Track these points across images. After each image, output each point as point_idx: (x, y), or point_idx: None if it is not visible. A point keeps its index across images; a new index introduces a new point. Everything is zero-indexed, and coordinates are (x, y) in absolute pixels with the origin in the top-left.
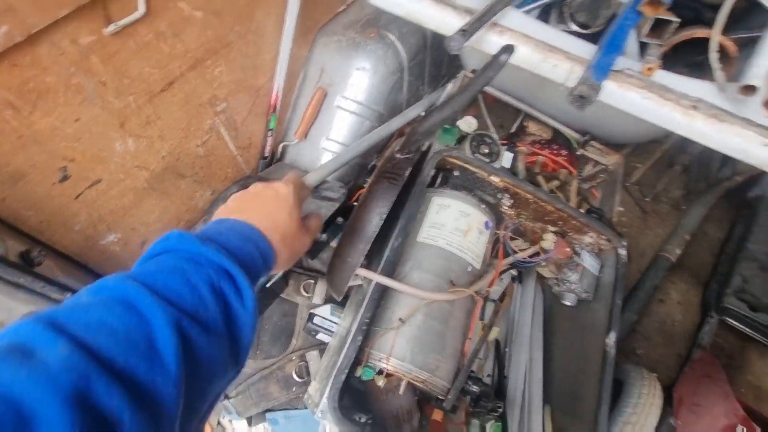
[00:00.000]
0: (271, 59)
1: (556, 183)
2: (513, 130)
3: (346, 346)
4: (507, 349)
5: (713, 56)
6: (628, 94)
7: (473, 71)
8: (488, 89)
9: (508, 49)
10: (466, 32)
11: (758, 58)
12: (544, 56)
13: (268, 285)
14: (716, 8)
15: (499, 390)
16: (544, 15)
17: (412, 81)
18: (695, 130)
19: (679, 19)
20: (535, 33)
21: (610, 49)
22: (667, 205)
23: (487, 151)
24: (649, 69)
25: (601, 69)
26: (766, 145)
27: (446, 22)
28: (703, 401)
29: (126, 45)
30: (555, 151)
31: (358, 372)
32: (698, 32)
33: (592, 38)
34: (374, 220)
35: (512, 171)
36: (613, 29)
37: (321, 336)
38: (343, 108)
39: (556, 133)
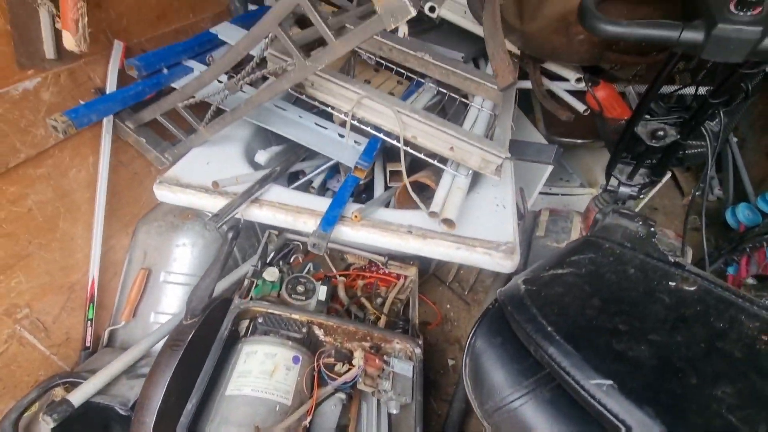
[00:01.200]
0: (84, 256)
1: (379, 299)
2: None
3: None
4: None
5: (414, 196)
6: (359, 233)
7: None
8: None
9: (236, 231)
10: (219, 216)
11: (437, 192)
12: (295, 217)
13: None
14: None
15: None
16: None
17: (238, 242)
18: (412, 247)
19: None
20: (288, 200)
21: (334, 205)
22: (483, 293)
23: (302, 289)
24: (356, 216)
25: (328, 222)
26: (458, 249)
27: (220, 205)
28: None
29: None
30: (373, 272)
31: None
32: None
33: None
34: (158, 391)
35: (328, 300)
36: (339, 191)
37: None
38: (170, 281)
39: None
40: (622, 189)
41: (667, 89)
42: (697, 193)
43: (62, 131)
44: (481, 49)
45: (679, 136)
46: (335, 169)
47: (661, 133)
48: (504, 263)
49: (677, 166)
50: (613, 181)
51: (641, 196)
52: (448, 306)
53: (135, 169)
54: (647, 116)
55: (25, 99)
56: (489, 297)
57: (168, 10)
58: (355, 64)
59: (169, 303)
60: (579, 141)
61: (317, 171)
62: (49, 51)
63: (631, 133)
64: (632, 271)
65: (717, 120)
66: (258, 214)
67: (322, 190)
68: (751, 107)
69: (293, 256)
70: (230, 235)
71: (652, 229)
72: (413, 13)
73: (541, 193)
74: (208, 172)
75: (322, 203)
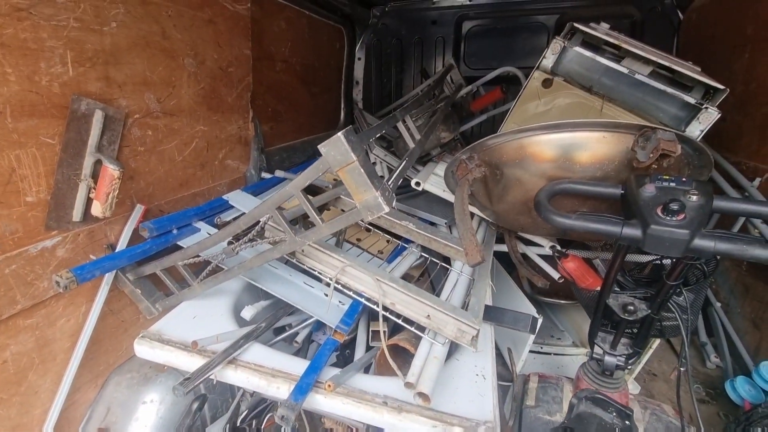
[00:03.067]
0: (42, 413)
1: None
2: None
3: None
4: None
5: (392, 362)
6: (332, 402)
7: None
8: None
9: (201, 401)
10: (190, 380)
11: (414, 361)
12: (269, 382)
13: None
14: None
15: None
16: None
17: (208, 400)
18: (386, 422)
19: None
20: (265, 361)
21: (310, 371)
22: None
23: None
24: (329, 386)
25: (301, 391)
26: (434, 426)
27: (196, 365)
28: None
29: None
30: None
31: None
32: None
33: None
34: None
35: None
36: (314, 357)
37: None
38: None
39: None
40: (608, 359)
41: (637, 259)
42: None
43: (64, 287)
44: None
45: (650, 311)
46: (321, 322)
47: (631, 307)
48: None
49: (658, 337)
50: (599, 349)
51: (629, 367)
52: None
53: (123, 317)
54: (617, 289)
55: (40, 256)
56: None
57: (192, 178)
58: (346, 228)
59: None
60: (564, 301)
61: (302, 325)
62: (77, 215)
63: (605, 305)
64: None
65: (683, 296)
66: (232, 376)
67: (307, 343)
68: (726, 273)
69: (268, 415)
70: (194, 406)
71: (628, 422)
72: (387, 210)
73: (532, 351)
74: (192, 327)
75: (300, 366)
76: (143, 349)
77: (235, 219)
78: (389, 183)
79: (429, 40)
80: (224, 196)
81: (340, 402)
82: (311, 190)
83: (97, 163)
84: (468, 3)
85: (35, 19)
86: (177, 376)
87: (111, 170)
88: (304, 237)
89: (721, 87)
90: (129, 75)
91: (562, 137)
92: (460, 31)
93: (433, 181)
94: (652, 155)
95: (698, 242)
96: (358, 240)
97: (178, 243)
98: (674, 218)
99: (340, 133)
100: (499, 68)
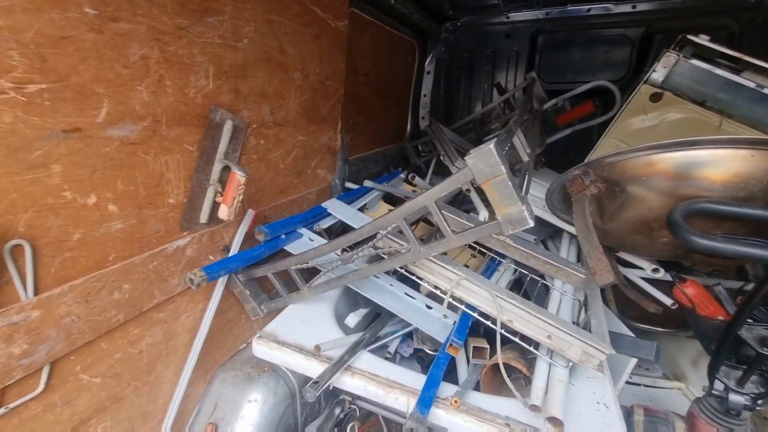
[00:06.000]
0: (164, 402)
1: None
2: None
3: None
4: None
5: (510, 384)
6: (454, 419)
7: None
8: None
9: (342, 405)
10: (318, 383)
11: (534, 383)
12: (386, 392)
13: None
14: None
15: None
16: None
17: (305, 403)
18: None
19: (488, 346)
20: (379, 371)
21: (429, 384)
22: None
23: None
24: (455, 401)
25: (425, 404)
26: None
27: (314, 369)
28: None
29: (9, 422)
30: None
31: None
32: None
33: None
34: None
35: None
36: (430, 371)
37: None
38: None
39: None
40: (733, 397)
41: None
42: None
43: (197, 284)
44: (549, 232)
45: None
46: (407, 334)
47: None
48: None
49: None
50: (719, 384)
51: (758, 408)
52: None
53: (230, 316)
54: (749, 320)
55: (174, 254)
56: None
57: (289, 186)
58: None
59: None
60: (660, 329)
61: (394, 336)
62: (204, 217)
63: (735, 337)
64: None
65: None
66: (349, 382)
67: (394, 354)
68: None
69: (351, 424)
70: (336, 410)
71: None
72: (531, 224)
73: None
74: (302, 330)
75: (412, 378)
76: (262, 349)
77: (337, 226)
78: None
79: (501, 53)
80: (323, 204)
81: (462, 419)
82: (392, 201)
83: (224, 170)
84: (543, 17)
85: (191, 36)
86: (278, 377)
87: (239, 176)
88: (429, 248)
89: None
90: (252, 87)
91: (698, 154)
92: (535, 44)
93: None
94: None
95: None
96: (444, 254)
97: (285, 248)
98: None
99: (491, 146)
100: (590, 82)
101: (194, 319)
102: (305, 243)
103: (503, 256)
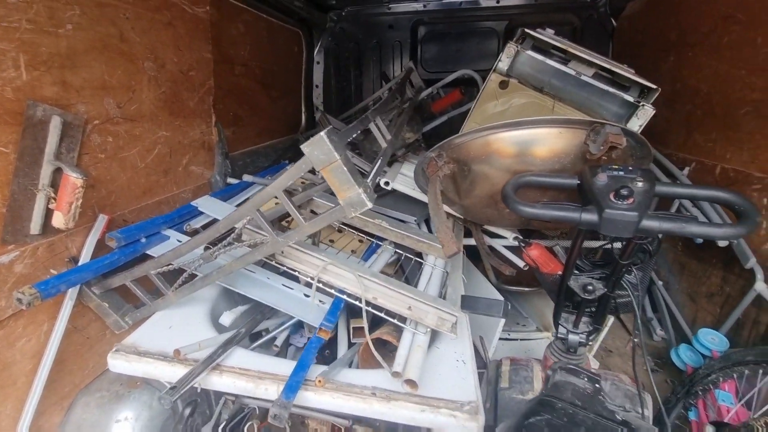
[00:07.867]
0: None
1: None
2: None
3: None
4: None
5: (377, 356)
6: (322, 398)
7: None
8: None
9: (193, 406)
10: (177, 388)
11: (398, 351)
12: (256, 384)
13: None
14: None
15: None
16: None
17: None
18: (376, 411)
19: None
20: (250, 364)
21: (298, 369)
22: None
23: None
24: (319, 381)
25: (291, 389)
26: (422, 411)
27: (180, 375)
28: None
29: None
30: None
31: None
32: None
33: None
34: None
35: None
36: (301, 355)
37: None
38: None
39: None
40: (571, 336)
41: (591, 245)
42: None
43: (27, 303)
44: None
45: (606, 290)
46: (299, 325)
47: (590, 287)
48: (469, 425)
49: (614, 314)
50: (563, 329)
51: (590, 343)
52: None
53: (89, 334)
54: (576, 272)
55: None
56: None
57: (155, 186)
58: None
59: None
60: (527, 289)
61: (281, 329)
62: (35, 228)
63: (566, 287)
64: None
65: (633, 274)
66: (218, 382)
67: (285, 346)
68: (665, 254)
69: (248, 423)
70: (186, 411)
71: (597, 385)
72: (369, 206)
73: (501, 338)
74: (169, 337)
75: (285, 366)
76: (118, 363)
77: (208, 224)
78: (368, 181)
79: (387, 44)
80: (193, 203)
81: (330, 396)
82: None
83: (57, 172)
84: (422, 9)
85: None
86: (152, 391)
87: (73, 178)
88: (286, 237)
89: (654, 87)
90: (87, 79)
91: (522, 134)
92: (416, 35)
93: (400, 180)
94: (602, 147)
95: (646, 223)
96: (332, 241)
97: (148, 252)
98: (625, 202)
99: (322, 133)
100: (457, 71)
101: (37, 344)
102: (172, 245)
103: (382, 239)
